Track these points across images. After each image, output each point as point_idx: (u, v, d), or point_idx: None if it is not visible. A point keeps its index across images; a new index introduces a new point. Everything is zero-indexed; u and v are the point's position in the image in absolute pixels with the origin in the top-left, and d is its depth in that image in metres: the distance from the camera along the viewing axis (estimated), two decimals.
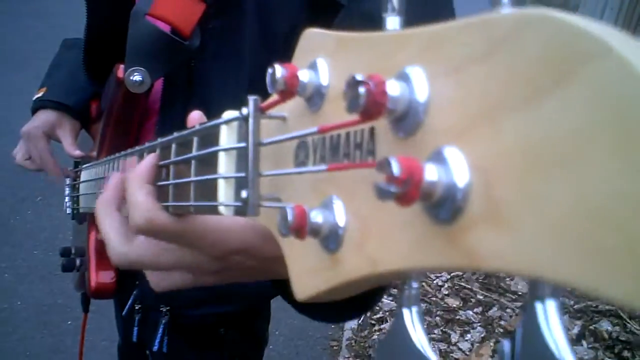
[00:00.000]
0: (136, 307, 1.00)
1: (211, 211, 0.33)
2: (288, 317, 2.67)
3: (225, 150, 0.31)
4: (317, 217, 0.23)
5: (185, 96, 0.85)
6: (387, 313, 2.76)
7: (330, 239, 0.23)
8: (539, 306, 0.17)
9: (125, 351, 1.37)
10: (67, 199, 1.25)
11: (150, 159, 0.43)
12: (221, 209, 0.31)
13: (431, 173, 0.16)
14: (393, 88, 0.18)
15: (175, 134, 0.43)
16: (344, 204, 0.23)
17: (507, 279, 2.94)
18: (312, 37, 0.26)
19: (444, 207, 0.17)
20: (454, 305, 2.79)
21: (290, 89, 0.25)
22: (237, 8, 0.79)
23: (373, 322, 2.72)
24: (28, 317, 2.54)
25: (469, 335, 2.62)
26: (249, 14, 0.80)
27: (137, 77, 0.79)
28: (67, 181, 1.24)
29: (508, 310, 2.76)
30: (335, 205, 0.23)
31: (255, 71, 0.82)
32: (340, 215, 0.23)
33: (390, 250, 0.19)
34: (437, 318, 2.72)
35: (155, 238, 0.42)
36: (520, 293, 2.86)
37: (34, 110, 1.11)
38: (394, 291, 2.87)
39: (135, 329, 1.02)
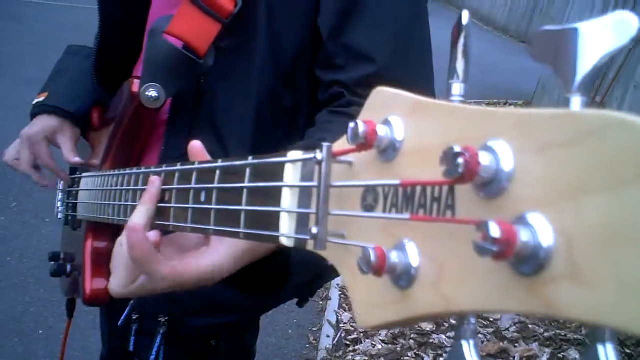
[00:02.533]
0: (133, 317, 1.01)
1: (267, 240, 0.37)
2: (265, 334, 2.68)
3: (291, 186, 0.34)
4: (394, 257, 0.26)
5: (192, 111, 0.88)
6: (362, 334, 2.78)
7: (403, 277, 0.27)
8: (600, 348, 0.20)
9: None
10: (59, 204, 1.24)
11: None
12: (283, 239, 0.35)
13: (524, 236, 0.20)
14: (484, 158, 0.22)
15: (221, 162, 0.46)
16: (418, 247, 0.26)
17: None
18: (386, 95, 0.30)
19: (528, 263, 0.21)
20: (428, 329, 2.83)
21: (369, 143, 0.28)
22: (250, 29, 0.83)
23: (348, 342, 2.74)
24: None
25: (441, 359, 2.66)
26: (260, 35, 0.83)
27: (152, 93, 0.82)
28: (60, 186, 1.23)
29: (480, 335, 2.81)
30: (408, 247, 0.27)
31: (264, 91, 0.86)
32: (414, 256, 0.26)
33: (468, 293, 0.23)
34: (411, 341, 2.76)
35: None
36: (491, 319, 2.92)
37: (34, 115, 1.10)
38: None
39: (133, 338, 1.03)
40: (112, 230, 1.05)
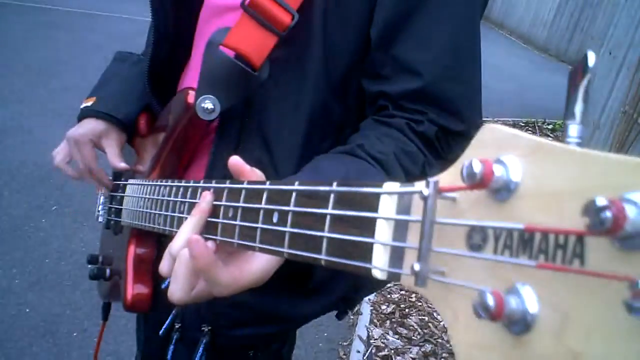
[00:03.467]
0: (176, 326, 1.02)
1: (355, 270, 0.36)
2: (294, 347, 2.68)
3: (390, 219, 0.34)
4: (512, 303, 0.26)
5: (241, 121, 0.88)
6: (393, 351, 2.76)
7: (518, 323, 0.26)
8: None
9: None
10: (100, 207, 1.25)
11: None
12: (376, 272, 0.34)
13: None
14: (630, 211, 0.21)
15: (298, 186, 0.46)
16: (536, 293, 0.26)
17: None
18: (500, 133, 0.30)
19: None
20: None
21: (484, 183, 0.28)
22: (305, 40, 0.83)
23: (378, 359, 2.72)
24: (35, 325, 2.54)
25: None
26: (314, 47, 0.83)
27: (208, 105, 0.83)
28: (103, 190, 1.24)
29: None
30: (524, 292, 0.26)
31: (315, 103, 0.86)
32: (531, 302, 0.26)
33: (603, 350, 0.22)
34: None
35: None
36: None
37: (81, 118, 1.10)
38: (401, 329, 2.87)
39: (172, 347, 1.03)
40: (155, 238, 1.06)
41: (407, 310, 3.02)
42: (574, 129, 0.28)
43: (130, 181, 1.06)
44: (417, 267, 0.30)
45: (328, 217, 0.40)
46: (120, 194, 1.11)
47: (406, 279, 0.33)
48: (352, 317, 2.97)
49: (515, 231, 0.27)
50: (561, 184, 0.26)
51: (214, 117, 0.85)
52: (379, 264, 0.34)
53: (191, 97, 0.86)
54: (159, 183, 0.85)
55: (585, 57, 0.29)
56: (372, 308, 3.05)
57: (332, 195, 0.41)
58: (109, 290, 1.21)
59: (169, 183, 0.80)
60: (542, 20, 11.83)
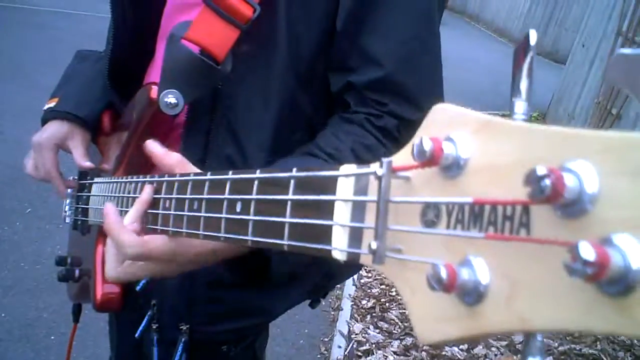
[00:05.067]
0: (153, 327, 1.01)
1: (316, 252, 0.37)
2: (275, 344, 2.67)
3: (347, 200, 0.34)
4: (464, 274, 0.26)
5: (209, 117, 0.88)
6: (374, 345, 2.77)
7: (470, 294, 0.27)
8: None
9: None
10: (67, 207, 1.22)
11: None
12: (336, 253, 0.35)
13: (615, 257, 0.20)
14: (568, 180, 0.22)
15: (260, 174, 0.46)
16: (487, 264, 0.26)
17: None
18: (449, 112, 0.30)
19: (617, 284, 0.20)
20: None
21: (435, 160, 0.28)
22: (269, 34, 0.83)
23: (359, 353, 2.73)
24: (11, 329, 2.50)
25: None
26: (279, 40, 0.83)
27: (171, 99, 0.82)
28: (69, 190, 1.21)
29: (493, 348, 2.79)
30: (475, 263, 0.27)
31: (283, 96, 0.86)
32: (483, 273, 0.26)
33: (547, 312, 0.23)
34: (423, 353, 2.74)
35: (140, 261, 0.65)
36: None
37: (45, 121, 1.09)
38: (381, 324, 2.89)
39: (155, 348, 1.02)
40: None
41: (387, 304, 3.04)
42: (520, 106, 0.29)
43: (96, 180, 1.05)
44: (374, 245, 0.31)
45: (289, 202, 0.41)
46: (87, 194, 1.09)
47: (365, 258, 0.34)
48: (332, 312, 2.98)
49: (466, 205, 0.28)
50: (507, 158, 0.27)
51: (178, 112, 0.84)
52: (339, 245, 0.35)
53: (154, 92, 0.84)
54: (124, 180, 0.84)
55: (528, 36, 0.29)
56: (352, 303, 3.07)
57: (292, 181, 0.41)
58: (79, 291, 1.19)
59: (134, 179, 0.79)
60: (517, 12, 11.96)
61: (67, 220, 1.22)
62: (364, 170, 0.34)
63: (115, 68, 1.02)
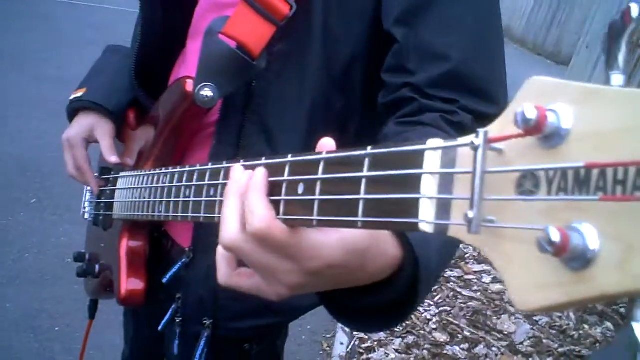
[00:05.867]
0: (176, 320, 1.01)
1: (401, 227, 0.37)
2: None
3: (437, 173, 0.35)
4: (574, 239, 0.27)
5: (241, 114, 0.89)
6: (376, 342, 2.78)
7: (577, 259, 0.28)
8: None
9: None
10: (87, 204, 1.24)
11: (264, 174, 0.51)
12: (423, 225, 0.36)
13: None
14: None
15: (326, 154, 0.47)
16: (597, 228, 0.27)
17: (494, 317, 2.99)
18: (545, 84, 0.31)
19: None
20: (441, 340, 2.83)
21: (539, 128, 0.29)
22: (305, 33, 0.84)
23: (361, 350, 2.74)
24: (16, 320, 2.50)
25: None
26: (315, 40, 0.84)
27: (207, 93, 0.83)
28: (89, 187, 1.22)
29: (494, 348, 2.80)
30: (583, 229, 0.28)
31: (316, 96, 0.87)
32: (592, 238, 0.27)
33: None
34: (425, 352, 2.75)
35: (261, 244, 0.49)
36: (505, 332, 2.91)
37: (71, 110, 1.11)
38: None
39: (176, 341, 1.03)
40: (147, 231, 1.05)
41: None
42: (617, 79, 0.30)
43: (122, 174, 1.05)
44: (470, 214, 0.32)
45: (364, 180, 0.41)
46: (111, 188, 1.10)
47: (455, 229, 0.34)
48: None
49: (570, 172, 0.29)
50: (612, 124, 0.27)
51: (213, 106, 0.85)
52: (427, 218, 0.36)
53: (189, 85, 0.86)
54: (158, 171, 0.84)
55: (629, 8, 0.30)
56: None
57: (367, 160, 0.42)
58: (98, 287, 1.20)
59: (171, 170, 0.79)
60: (520, 13, 11.98)
61: (87, 216, 1.23)
62: (456, 142, 0.35)
63: (143, 65, 1.03)
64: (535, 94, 0.32)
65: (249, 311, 0.98)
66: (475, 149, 0.32)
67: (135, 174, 0.96)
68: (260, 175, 0.51)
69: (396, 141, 0.70)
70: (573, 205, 0.29)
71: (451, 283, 3.22)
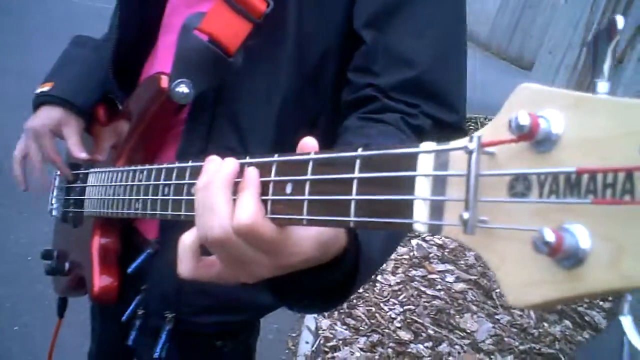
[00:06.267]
0: (139, 312, 1.01)
1: (394, 226, 0.38)
2: None
3: (430, 175, 0.36)
4: (567, 239, 0.29)
5: (212, 110, 0.89)
6: (341, 341, 2.80)
7: (569, 258, 0.29)
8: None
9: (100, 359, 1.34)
10: (54, 200, 1.21)
11: (257, 172, 0.52)
12: (417, 226, 0.37)
13: None
14: None
15: (314, 155, 0.48)
16: (588, 229, 0.29)
17: (457, 316, 3.05)
18: (536, 91, 0.33)
19: None
20: (406, 339, 2.87)
21: (531, 134, 0.31)
22: (278, 28, 0.84)
23: (326, 349, 2.75)
24: None
25: None
26: (288, 35, 0.84)
27: (183, 89, 0.82)
28: (56, 182, 1.20)
29: (457, 346, 2.86)
30: (574, 229, 0.29)
31: (287, 92, 0.87)
32: (583, 238, 0.29)
33: None
34: (389, 350, 2.79)
35: (246, 240, 0.50)
36: (468, 331, 2.97)
37: (37, 104, 1.08)
38: (349, 320, 2.92)
39: (134, 333, 1.01)
40: (119, 227, 1.04)
41: (354, 301, 3.07)
42: (602, 86, 0.31)
43: (92, 170, 1.04)
44: (466, 215, 0.33)
45: (355, 181, 0.42)
46: (80, 185, 1.08)
47: (449, 230, 0.36)
48: None
49: (561, 176, 0.30)
50: (602, 131, 0.29)
51: (188, 102, 0.85)
52: (421, 219, 0.37)
53: (164, 81, 0.85)
54: (134, 168, 0.83)
55: (615, 20, 0.32)
56: None
57: (357, 161, 0.43)
58: (68, 285, 1.18)
59: (147, 167, 0.78)
60: (484, 18, 12.21)
61: (54, 213, 1.20)
62: (450, 146, 0.36)
63: (118, 59, 1.01)
64: (526, 100, 0.33)
65: (213, 307, 0.97)
66: (469, 152, 0.33)
67: (108, 170, 0.95)
68: (255, 173, 0.52)
69: (355, 134, 0.75)
70: (564, 207, 0.30)
71: (415, 282, 3.27)
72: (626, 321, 0.28)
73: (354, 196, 0.42)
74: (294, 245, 0.51)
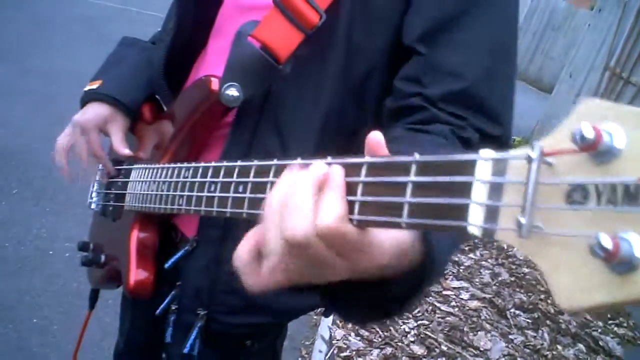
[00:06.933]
0: (172, 308, 1.03)
1: (449, 228, 0.40)
2: None
3: (490, 182, 0.38)
4: (623, 245, 0.30)
5: (257, 115, 0.91)
6: (354, 352, 2.80)
7: (623, 264, 0.31)
8: None
9: (128, 357, 1.36)
10: (94, 194, 1.24)
11: (342, 173, 0.50)
12: (472, 229, 0.39)
13: None
14: None
15: (369, 158, 0.50)
16: None
17: (471, 333, 3.04)
18: (600, 105, 0.35)
19: None
20: (419, 353, 2.86)
21: (594, 146, 0.33)
22: (328, 41, 0.86)
23: (340, 359, 2.76)
24: None
25: None
26: (337, 48, 0.87)
27: (233, 92, 0.86)
28: (97, 177, 1.24)
29: None
30: (630, 237, 0.31)
31: (332, 104, 0.89)
32: (638, 245, 0.31)
33: None
34: None
35: (327, 241, 0.48)
36: (481, 349, 2.96)
37: (85, 101, 1.11)
38: (363, 332, 2.92)
39: (170, 329, 1.04)
40: (157, 223, 1.07)
41: None
42: None
43: (136, 166, 1.06)
44: (522, 220, 0.35)
45: (410, 184, 0.44)
46: (123, 180, 1.11)
47: (503, 234, 0.37)
48: (315, 317, 3.01)
49: (620, 186, 0.32)
50: None
51: (237, 105, 0.88)
52: (476, 222, 0.39)
53: (215, 84, 0.88)
54: (179, 165, 0.85)
55: None
56: None
57: (413, 166, 0.45)
58: (102, 277, 1.21)
59: (194, 165, 0.80)
60: None
61: (93, 206, 1.24)
62: (510, 154, 0.38)
63: (169, 59, 1.05)
64: (589, 113, 0.35)
65: (245, 307, 0.98)
66: (530, 160, 0.35)
67: (152, 166, 0.97)
68: (340, 173, 0.50)
69: (406, 143, 0.73)
70: (619, 216, 0.32)
71: (430, 297, 3.27)
72: None
73: (407, 199, 0.44)
74: (373, 250, 0.49)
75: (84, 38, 6.21)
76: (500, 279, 3.59)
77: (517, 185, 0.37)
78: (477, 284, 3.52)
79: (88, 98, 1.10)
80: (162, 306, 1.03)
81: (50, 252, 2.88)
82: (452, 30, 0.81)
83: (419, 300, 0.59)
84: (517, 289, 3.59)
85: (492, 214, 0.38)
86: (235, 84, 0.86)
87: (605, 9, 5.54)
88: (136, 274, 1.04)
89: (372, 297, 0.57)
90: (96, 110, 1.09)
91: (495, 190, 0.38)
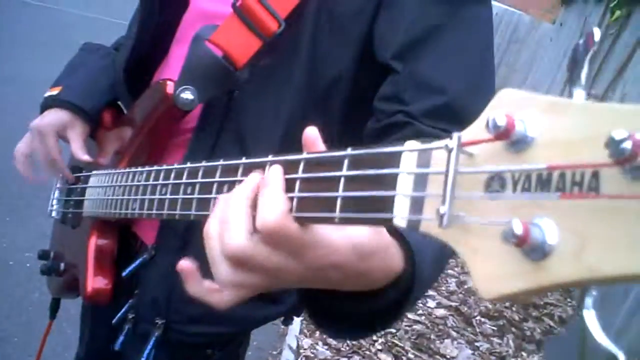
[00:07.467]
0: (129, 317, 1.01)
1: (375, 222, 0.40)
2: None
3: (412, 173, 0.38)
4: (535, 232, 0.31)
5: (220, 122, 0.91)
6: None
7: (536, 250, 0.31)
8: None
9: None
10: (55, 202, 1.23)
11: (279, 172, 0.50)
12: (397, 220, 0.39)
13: None
14: None
15: (306, 155, 0.50)
16: (556, 222, 0.31)
17: (438, 341, 3.05)
18: (515, 95, 0.35)
19: None
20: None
21: (507, 134, 0.33)
22: (291, 50, 0.86)
23: None
24: None
25: None
26: (300, 57, 0.86)
27: (188, 95, 0.85)
28: (58, 184, 1.22)
29: None
30: (543, 223, 0.31)
31: (294, 113, 0.89)
32: (551, 231, 0.31)
33: (617, 260, 0.28)
34: None
35: (272, 243, 0.47)
36: (448, 357, 2.97)
37: (44, 107, 1.10)
38: (330, 340, 2.91)
39: (122, 337, 1.02)
40: (116, 230, 1.05)
41: None
42: (579, 94, 0.34)
43: (95, 172, 1.05)
44: (442, 209, 0.35)
45: (342, 179, 0.44)
46: (82, 186, 1.10)
47: (427, 224, 0.38)
48: (282, 327, 2.99)
49: (534, 174, 0.33)
50: (574, 133, 0.31)
51: (192, 108, 0.87)
52: (401, 214, 0.39)
53: (170, 87, 0.88)
54: (134, 170, 0.85)
55: (592, 33, 0.34)
56: (302, 318, 3.08)
57: (346, 160, 0.45)
58: (62, 285, 1.19)
59: (147, 169, 0.80)
60: None
61: (54, 214, 1.22)
62: (432, 145, 0.38)
63: (131, 63, 1.04)
64: (506, 103, 0.36)
65: (203, 316, 0.97)
66: (449, 151, 0.36)
67: (109, 172, 0.96)
68: (279, 172, 0.50)
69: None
70: (535, 203, 0.32)
71: None
72: (589, 315, 0.30)
73: (340, 193, 0.44)
74: (323, 246, 0.48)
75: (48, 45, 6.12)
76: (466, 287, 3.63)
77: (439, 175, 0.37)
78: (444, 292, 3.55)
79: (48, 104, 1.09)
80: (118, 315, 1.02)
81: (11, 263, 2.81)
82: (427, 44, 0.80)
83: (407, 310, 0.57)
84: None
85: (417, 205, 0.38)
86: (190, 87, 0.85)
87: (567, 24, 5.69)
88: (94, 281, 1.02)
89: (355, 310, 0.57)
90: (55, 116, 1.07)
91: (420, 181, 0.39)
